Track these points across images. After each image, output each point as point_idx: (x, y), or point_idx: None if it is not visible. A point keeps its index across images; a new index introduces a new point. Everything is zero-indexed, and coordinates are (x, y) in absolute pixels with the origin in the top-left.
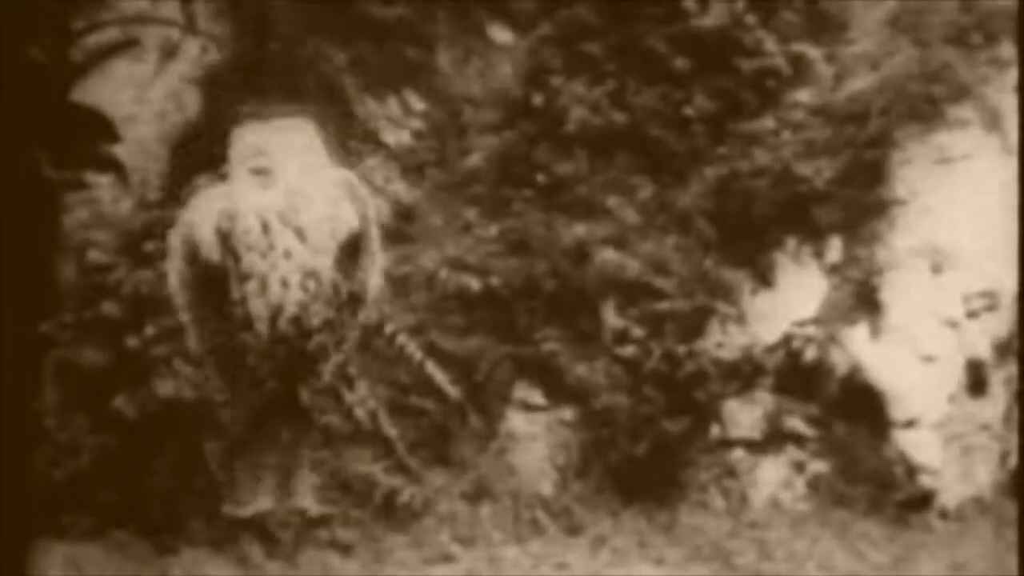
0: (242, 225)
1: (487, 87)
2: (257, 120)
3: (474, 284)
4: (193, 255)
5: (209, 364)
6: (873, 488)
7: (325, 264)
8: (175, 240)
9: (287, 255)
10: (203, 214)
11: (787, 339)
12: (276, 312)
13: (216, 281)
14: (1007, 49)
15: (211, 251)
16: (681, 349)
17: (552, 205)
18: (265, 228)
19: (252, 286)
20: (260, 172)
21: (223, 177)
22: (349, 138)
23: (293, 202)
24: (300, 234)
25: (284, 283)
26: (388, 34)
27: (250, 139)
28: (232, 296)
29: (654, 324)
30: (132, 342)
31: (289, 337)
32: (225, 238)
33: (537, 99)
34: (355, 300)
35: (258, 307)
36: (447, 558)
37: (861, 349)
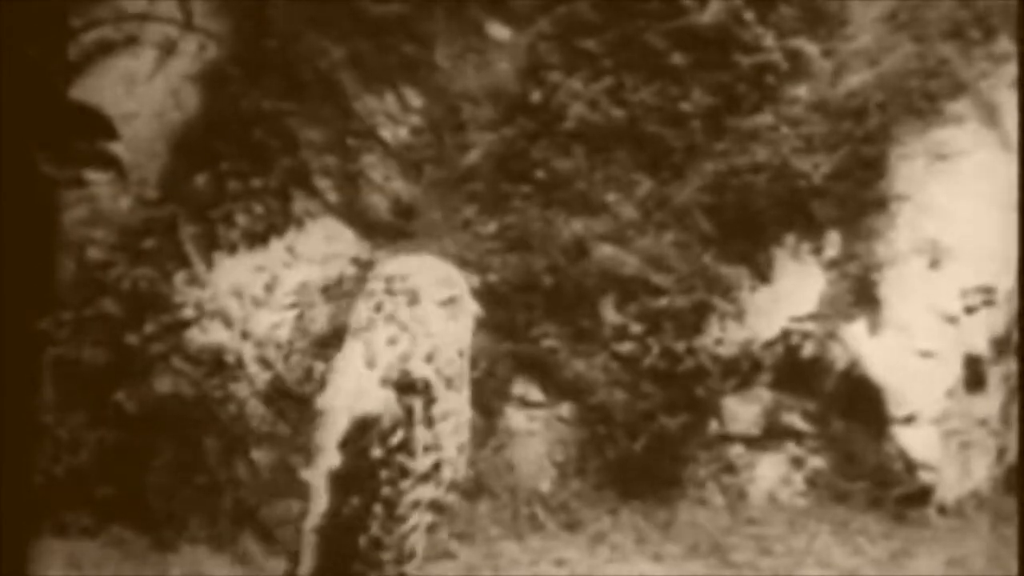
0: (444, 358)
1: (485, 83)
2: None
3: (472, 280)
4: (358, 431)
5: None
6: (871, 484)
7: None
8: (323, 436)
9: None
10: (358, 381)
11: (785, 335)
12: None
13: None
14: (1005, 44)
15: (382, 409)
16: (679, 345)
17: (550, 201)
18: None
19: (447, 426)
20: (450, 302)
21: (353, 332)
22: (347, 135)
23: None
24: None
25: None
26: (386, 30)
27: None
28: (411, 447)
29: (652, 320)
30: (131, 339)
31: (458, 486)
32: (404, 388)
33: (535, 95)
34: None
35: (451, 448)
36: (446, 554)
37: (859, 345)
